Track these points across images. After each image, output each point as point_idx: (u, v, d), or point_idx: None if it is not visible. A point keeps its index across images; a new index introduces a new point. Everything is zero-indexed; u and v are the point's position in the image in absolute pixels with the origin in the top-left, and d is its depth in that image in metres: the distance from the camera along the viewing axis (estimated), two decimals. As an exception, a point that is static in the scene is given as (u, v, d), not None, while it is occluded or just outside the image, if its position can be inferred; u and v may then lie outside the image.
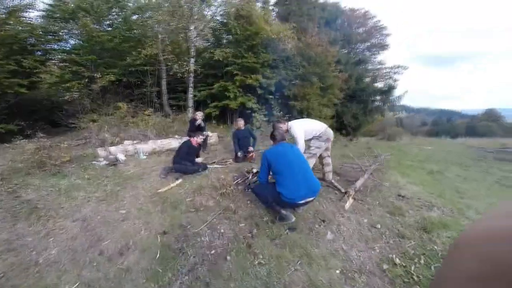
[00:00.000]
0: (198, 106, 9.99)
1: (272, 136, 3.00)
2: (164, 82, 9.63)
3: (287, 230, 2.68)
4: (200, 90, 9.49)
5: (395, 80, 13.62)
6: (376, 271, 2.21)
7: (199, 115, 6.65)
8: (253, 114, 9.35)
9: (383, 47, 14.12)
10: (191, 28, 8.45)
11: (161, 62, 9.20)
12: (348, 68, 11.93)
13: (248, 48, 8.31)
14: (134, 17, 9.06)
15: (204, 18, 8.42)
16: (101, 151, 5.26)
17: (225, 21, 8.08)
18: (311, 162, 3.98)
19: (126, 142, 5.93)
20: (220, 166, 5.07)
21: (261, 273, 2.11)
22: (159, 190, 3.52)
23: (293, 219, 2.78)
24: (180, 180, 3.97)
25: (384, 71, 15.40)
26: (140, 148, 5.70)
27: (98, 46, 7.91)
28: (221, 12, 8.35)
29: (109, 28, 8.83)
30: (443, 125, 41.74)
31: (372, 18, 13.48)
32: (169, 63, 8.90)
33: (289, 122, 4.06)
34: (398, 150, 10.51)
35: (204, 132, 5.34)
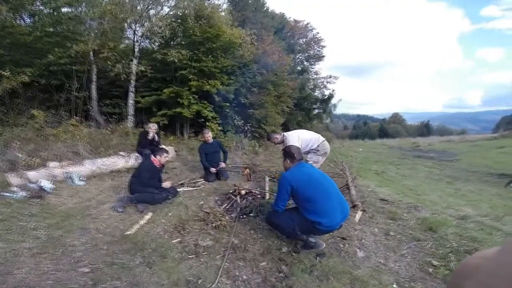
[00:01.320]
0: (139, 114, 8.53)
1: (289, 155, 2.48)
2: (94, 86, 7.83)
3: (318, 258, 2.31)
4: (143, 96, 8.10)
5: (333, 90, 15.07)
6: (425, 275, 2.19)
7: (153, 127, 5.55)
8: (207, 124, 8.59)
9: (319, 58, 15.53)
10: (135, 26, 7.20)
11: (91, 63, 7.47)
12: (293, 77, 12.48)
13: (207, 52, 7.56)
14: (65, 9, 7.18)
15: (153, 16, 7.28)
16: (13, 178, 3.64)
17: (180, 20, 7.12)
18: None
19: (51, 164, 4.33)
20: (192, 188, 4.23)
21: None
22: (128, 232, 2.52)
23: (324, 245, 2.36)
24: (149, 214, 2.99)
25: (319, 80, 16.88)
26: (74, 172, 4.26)
27: (8, 39, 5.97)
28: (176, 11, 7.35)
29: (29, 20, 7.12)
30: (361, 128, 49.06)
31: (312, 30, 14.69)
32: (104, 64, 7.30)
33: (284, 133, 3.74)
34: (338, 153, 11.45)
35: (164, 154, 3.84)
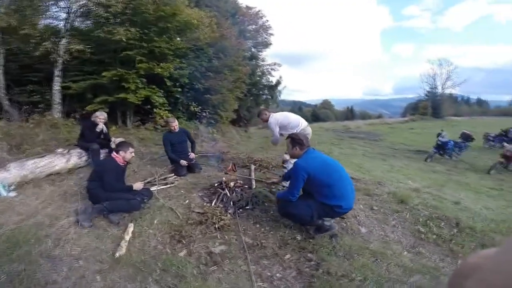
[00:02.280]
0: (70, 102, 6.92)
1: (298, 142, 2.41)
2: (0, 70, 5.88)
3: (332, 239, 2.40)
4: (75, 81, 6.55)
5: (280, 77, 15.50)
6: (420, 241, 2.54)
7: (101, 116, 4.58)
8: (155, 111, 7.68)
9: (267, 45, 15.63)
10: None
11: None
12: (245, 63, 12.28)
13: (160, 31, 6.48)
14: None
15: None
16: None
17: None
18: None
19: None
20: (166, 186, 3.72)
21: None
22: (118, 254, 2.01)
23: (336, 226, 2.47)
24: (131, 226, 2.46)
25: (264, 67, 17.12)
26: (-3, 179, 3.16)
27: None
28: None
29: None
30: (297, 113, 53.00)
31: (262, 18, 14.51)
32: (21, 44, 5.57)
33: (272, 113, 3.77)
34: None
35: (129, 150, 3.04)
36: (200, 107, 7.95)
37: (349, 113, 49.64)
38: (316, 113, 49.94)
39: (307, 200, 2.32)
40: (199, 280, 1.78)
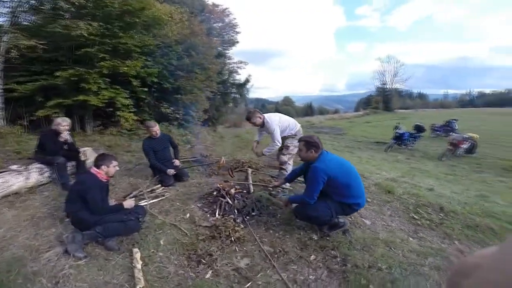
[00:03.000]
0: (16, 106, 5.84)
1: (314, 145, 2.41)
2: None
3: (346, 234, 2.51)
4: (20, 82, 5.53)
5: (249, 75, 15.43)
6: (417, 227, 2.81)
7: (64, 123, 3.94)
8: (118, 114, 7.00)
9: (233, 43, 15.39)
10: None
11: None
12: (214, 61, 11.93)
13: (126, 27, 5.78)
14: None
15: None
16: None
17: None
18: (292, 162, 3.71)
19: None
20: (156, 200, 3.40)
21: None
22: (139, 287, 1.74)
23: (348, 222, 2.59)
24: (137, 252, 2.15)
25: (231, 66, 16.94)
26: None
27: None
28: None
29: None
30: (261, 110, 53.79)
31: (229, 15, 14.18)
32: None
33: (265, 115, 3.60)
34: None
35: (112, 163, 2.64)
36: (172, 108, 7.45)
37: (309, 109, 52.11)
38: (278, 110, 51.25)
39: (325, 201, 2.34)
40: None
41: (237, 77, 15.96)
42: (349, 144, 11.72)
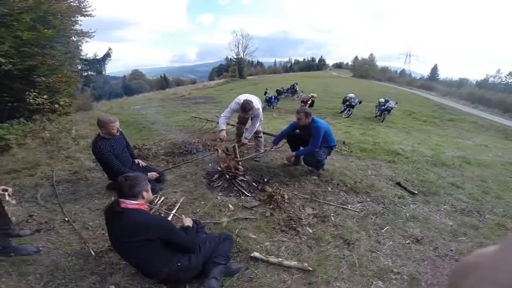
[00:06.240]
0: None
1: (310, 113, 3.42)
2: None
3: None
4: None
5: (109, 49, 12.13)
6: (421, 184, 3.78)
7: None
8: None
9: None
10: None
11: None
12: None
13: None
14: None
15: None
16: None
17: None
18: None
19: None
20: (175, 209, 2.80)
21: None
22: None
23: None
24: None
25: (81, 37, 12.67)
26: None
27: None
28: None
29: None
30: (103, 88, 43.67)
31: None
32: None
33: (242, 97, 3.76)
34: (129, 117, 9.54)
35: None
36: (45, 96, 5.28)
37: (164, 81, 48.75)
38: (127, 85, 44.14)
39: (321, 148, 3.45)
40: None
41: (97, 52, 12.26)
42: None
